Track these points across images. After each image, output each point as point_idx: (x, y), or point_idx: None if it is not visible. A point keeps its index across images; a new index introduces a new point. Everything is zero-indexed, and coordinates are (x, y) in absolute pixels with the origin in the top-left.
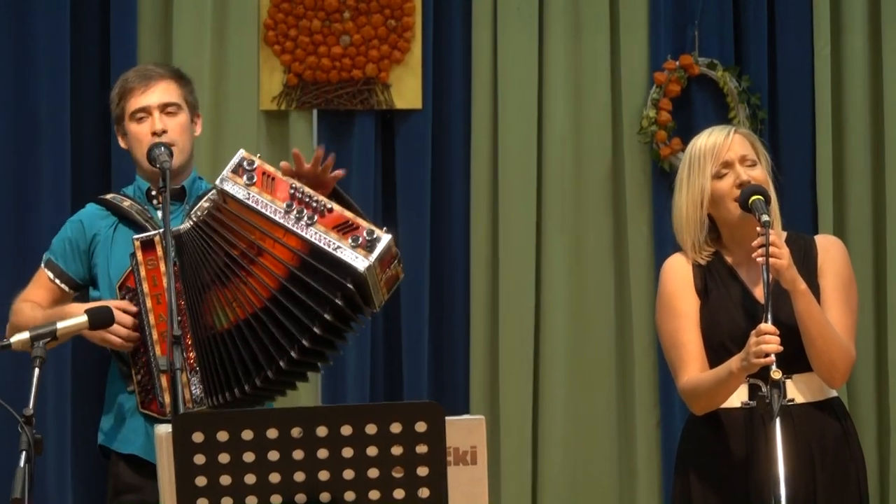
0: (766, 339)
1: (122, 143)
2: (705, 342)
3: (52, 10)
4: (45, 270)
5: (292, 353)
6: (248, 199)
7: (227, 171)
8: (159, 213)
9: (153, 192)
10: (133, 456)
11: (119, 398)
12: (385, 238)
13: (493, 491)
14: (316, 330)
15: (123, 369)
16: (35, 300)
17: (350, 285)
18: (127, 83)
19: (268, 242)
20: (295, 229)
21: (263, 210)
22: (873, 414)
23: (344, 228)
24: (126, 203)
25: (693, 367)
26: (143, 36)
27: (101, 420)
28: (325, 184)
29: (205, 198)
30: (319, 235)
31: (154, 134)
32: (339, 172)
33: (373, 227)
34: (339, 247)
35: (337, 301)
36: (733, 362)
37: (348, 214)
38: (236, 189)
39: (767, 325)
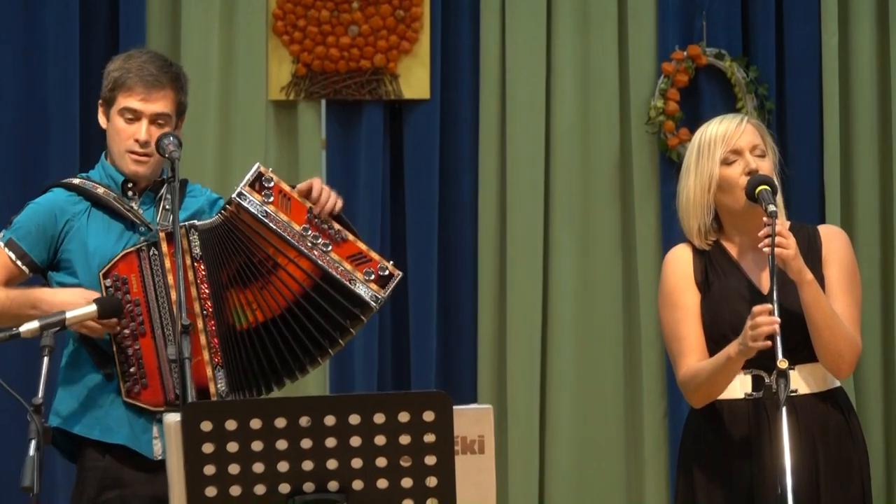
0: (761, 322)
1: (101, 122)
2: (707, 334)
3: (61, 2)
4: (6, 250)
5: (307, 366)
6: (265, 216)
7: (243, 185)
8: (134, 204)
9: (129, 185)
10: (118, 447)
11: (89, 384)
12: (397, 276)
13: (500, 480)
14: (329, 351)
15: (97, 355)
16: None
17: (364, 318)
18: (128, 79)
19: (282, 259)
20: (309, 254)
21: (279, 229)
22: (880, 404)
23: (358, 260)
24: (100, 190)
25: (693, 359)
26: (152, 27)
27: (56, 403)
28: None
29: (220, 208)
30: (335, 264)
31: (136, 141)
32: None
33: (385, 263)
34: (353, 279)
35: (350, 329)
36: (731, 347)
37: (361, 245)
38: (253, 204)
39: (761, 306)
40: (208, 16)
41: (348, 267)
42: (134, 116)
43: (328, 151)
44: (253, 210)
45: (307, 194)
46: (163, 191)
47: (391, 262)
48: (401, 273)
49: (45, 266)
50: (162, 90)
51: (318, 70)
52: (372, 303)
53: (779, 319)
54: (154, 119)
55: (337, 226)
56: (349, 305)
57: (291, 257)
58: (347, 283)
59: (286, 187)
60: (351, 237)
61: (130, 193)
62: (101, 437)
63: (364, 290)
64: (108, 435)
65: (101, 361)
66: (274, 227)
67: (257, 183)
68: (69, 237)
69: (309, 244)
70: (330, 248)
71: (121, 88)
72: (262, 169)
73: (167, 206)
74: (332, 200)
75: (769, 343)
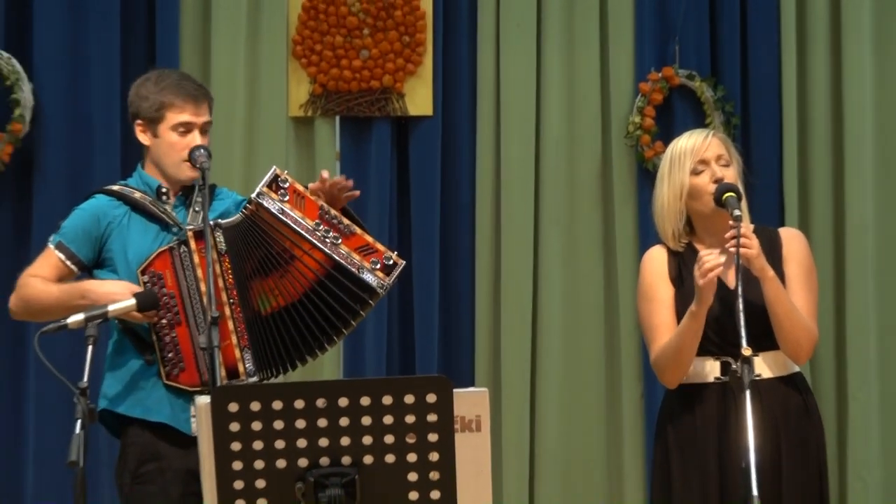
0: (705, 259)
1: (143, 139)
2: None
3: (104, 29)
4: (56, 252)
5: (324, 344)
6: (282, 213)
7: (262, 186)
8: (168, 207)
9: (164, 190)
10: (160, 425)
11: (132, 368)
12: (401, 265)
13: (495, 455)
14: (343, 330)
15: (138, 344)
16: (42, 275)
17: (372, 302)
18: (175, 96)
19: (297, 251)
20: (322, 247)
21: (294, 225)
22: (833, 387)
23: (365, 251)
24: (137, 195)
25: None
26: (185, 51)
27: (104, 386)
28: (338, 202)
29: (242, 206)
30: (345, 255)
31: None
32: (355, 193)
33: (389, 253)
34: (361, 267)
35: (360, 312)
36: (692, 305)
37: (368, 238)
38: (271, 203)
39: (704, 250)
40: (235, 40)
41: (356, 257)
42: (187, 129)
43: (342, 163)
44: (271, 208)
45: (319, 191)
46: (193, 195)
47: (395, 253)
48: (404, 262)
49: (91, 265)
50: (204, 101)
51: (332, 90)
52: (378, 289)
53: (722, 258)
54: (204, 128)
55: (346, 220)
56: (358, 291)
57: (306, 249)
58: (356, 271)
59: (300, 187)
60: (359, 231)
61: (164, 198)
62: (144, 416)
63: (371, 278)
64: (150, 414)
65: (142, 349)
66: (290, 222)
67: (274, 184)
68: (111, 238)
69: (321, 237)
70: (340, 240)
71: (169, 107)
72: (279, 171)
73: (197, 209)
74: (339, 178)
75: (715, 276)
